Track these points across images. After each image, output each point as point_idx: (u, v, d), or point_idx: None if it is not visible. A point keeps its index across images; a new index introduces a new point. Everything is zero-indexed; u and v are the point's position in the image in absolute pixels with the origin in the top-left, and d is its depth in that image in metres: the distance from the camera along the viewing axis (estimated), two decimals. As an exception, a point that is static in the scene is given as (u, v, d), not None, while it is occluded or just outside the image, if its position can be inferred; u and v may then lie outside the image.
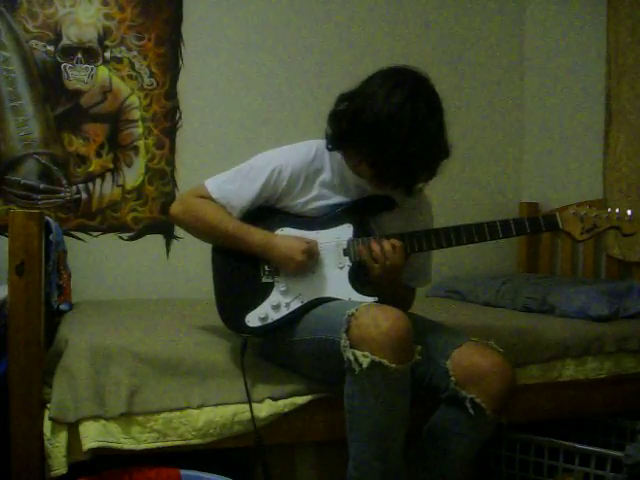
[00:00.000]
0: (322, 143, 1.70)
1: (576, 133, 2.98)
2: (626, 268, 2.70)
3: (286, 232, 1.66)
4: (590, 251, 2.82)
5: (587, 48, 2.93)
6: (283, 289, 1.63)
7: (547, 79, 3.16)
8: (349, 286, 1.63)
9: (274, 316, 1.61)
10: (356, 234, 1.66)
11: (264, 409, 1.63)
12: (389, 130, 1.50)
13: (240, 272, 1.67)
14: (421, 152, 1.52)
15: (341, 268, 1.64)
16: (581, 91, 2.96)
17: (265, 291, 1.64)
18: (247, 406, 1.61)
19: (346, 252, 1.65)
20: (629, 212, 1.66)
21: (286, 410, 1.65)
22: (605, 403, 2.05)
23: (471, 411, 1.51)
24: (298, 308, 1.62)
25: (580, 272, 2.91)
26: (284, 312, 1.62)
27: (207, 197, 1.67)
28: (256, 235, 1.62)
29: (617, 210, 1.66)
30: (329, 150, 1.68)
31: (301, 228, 1.67)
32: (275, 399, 1.65)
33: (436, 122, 1.55)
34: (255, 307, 1.62)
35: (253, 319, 1.61)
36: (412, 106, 1.50)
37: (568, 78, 3.03)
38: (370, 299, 1.58)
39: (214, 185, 1.68)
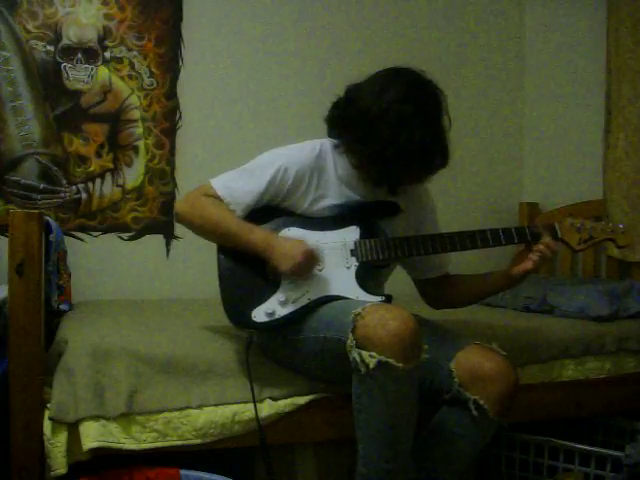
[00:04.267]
0: (326, 143, 1.71)
1: (576, 133, 2.98)
2: (626, 268, 2.69)
3: (293, 232, 1.66)
4: (590, 251, 2.81)
5: (587, 48, 2.93)
6: (291, 286, 1.62)
7: (547, 79, 3.15)
8: (356, 285, 1.63)
9: (281, 312, 1.60)
10: (362, 236, 1.66)
11: (264, 409, 1.63)
12: (379, 123, 1.56)
13: (247, 267, 1.66)
14: (430, 142, 1.58)
15: (348, 268, 1.65)
16: (581, 91, 2.96)
17: (272, 287, 1.63)
18: (247, 406, 1.61)
19: (353, 253, 1.65)
20: (621, 225, 1.75)
21: (286, 410, 1.65)
22: (605, 403, 2.05)
23: (474, 412, 1.51)
24: (305, 305, 1.61)
25: (580, 272, 2.91)
26: (291, 309, 1.60)
27: (212, 195, 1.67)
28: (258, 233, 1.62)
29: (610, 224, 1.76)
30: (336, 146, 1.70)
31: (307, 228, 1.67)
32: (275, 399, 1.65)
33: (428, 123, 1.59)
34: (262, 302, 1.61)
35: (259, 314, 1.60)
36: (400, 107, 1.56)
37: (568, 78, 3.03)
38: (377, 298, 1.58)
39: (220, 183, 1.68)
